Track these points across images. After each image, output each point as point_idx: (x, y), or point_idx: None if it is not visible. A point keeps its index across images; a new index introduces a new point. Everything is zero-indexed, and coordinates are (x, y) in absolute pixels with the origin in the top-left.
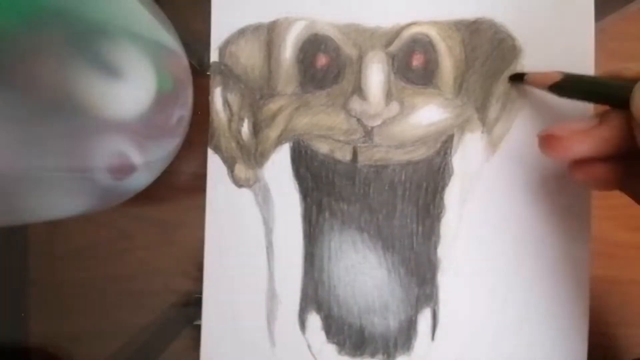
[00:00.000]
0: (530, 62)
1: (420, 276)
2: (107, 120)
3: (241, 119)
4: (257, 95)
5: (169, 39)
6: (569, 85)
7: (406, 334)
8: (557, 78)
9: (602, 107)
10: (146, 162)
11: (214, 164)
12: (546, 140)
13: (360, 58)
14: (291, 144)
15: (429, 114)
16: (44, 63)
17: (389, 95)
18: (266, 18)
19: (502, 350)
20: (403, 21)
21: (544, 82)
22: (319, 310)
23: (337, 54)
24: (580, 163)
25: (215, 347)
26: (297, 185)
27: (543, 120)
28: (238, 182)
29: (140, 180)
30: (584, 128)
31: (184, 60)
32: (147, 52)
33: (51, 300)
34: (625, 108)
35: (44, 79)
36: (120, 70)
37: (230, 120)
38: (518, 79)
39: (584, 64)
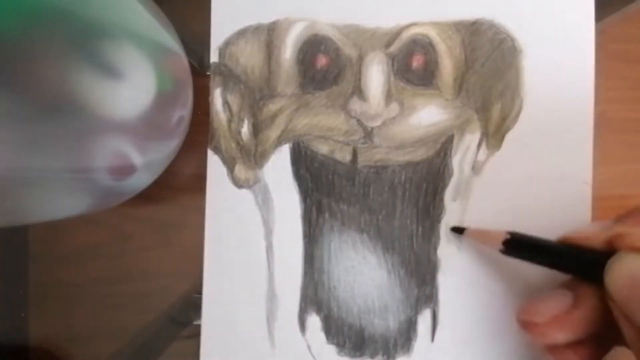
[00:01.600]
0: (530, 63)
1: (420, 277)
2: (107, 120)
3: (241, 120)
4: (257, 96)
5: (169, 39)
6: (520, 247)
7: (406, 335)
8: (502, 238)
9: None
10: (146, 162)
11: (214, 165)
12: (523, 325)
13: (360, 59)
14: (291, 145)
15: (428, 114)
16: (44, 63)
17: (388, 96)
18: (266, 19)
19: (502, 351)
20: (403, 22)
21: (489, 242)
22: (318, 311)
23: (337, 54)
24: (557, 347)
25: (215, 348)
26: (297, 186)
27: (543, 124)
28: (238, 183)
29: (140, 180)
30: (560, 311)
31: (184, 61)
32: (147, 52)
33: (51, 300)
34: (596, 282)
35: (44, 79)
36: (120, 71)
37: (230, 121)
38: (458, 231)
39: (584, 65)
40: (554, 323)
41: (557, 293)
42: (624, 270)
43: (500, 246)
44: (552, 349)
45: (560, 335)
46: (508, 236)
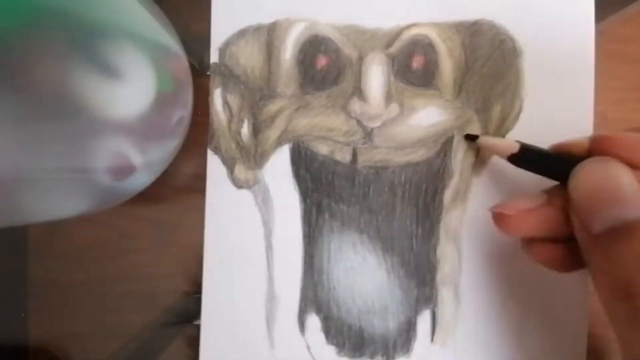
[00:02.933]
0: (530, 64)
1: (419, 278)
2: (106, 120)
3: (241, 120)
4: (257, 97)
5: (169, 40)
6: (524, 157)
7: (405, 336)
8: (515, 149)
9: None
10: (146, 162)
11: (214, 165)
12: (496, 217)
13: (360, 59)
14: (291, 145)
15: (428, 115)
16: (44, 63)
17: (388, 97)
18: (266, 19)
19: (502, 352)
20: (403, 22)
21: (500, 151)
22: (318, 311)
23: (337, 55)
24: (530, 241)
25: (215, 348)
26: (296, 187)
27: (543, 124)
28: (238, 183)
29: (140, 180)
30: (531, 206)
31: (183, 61)
32: (147, 52)
33: (51, 300)
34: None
35: (44, 79)
36: (120, 71)
37: (230, 121)
38: (471, 138)
39: (584, 66)
40: (525, 215)
41: (532, 193)
42: (586, 176)
43: (509, 154)
44: (528, 245)
45: (530, 227)
46: (517, 147)
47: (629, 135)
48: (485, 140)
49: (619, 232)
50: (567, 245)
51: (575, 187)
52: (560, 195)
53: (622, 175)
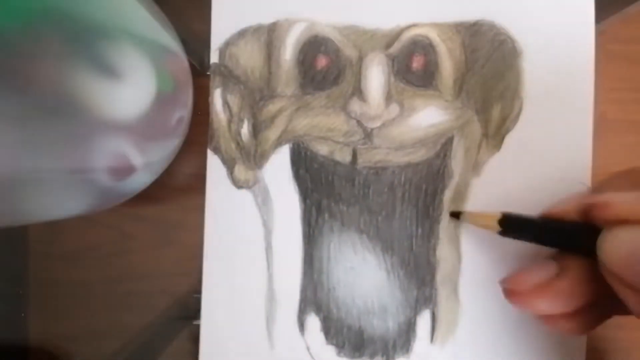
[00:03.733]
0: (530, 64)
1: (419, 278)
2: (106, 121)
3: (241, 120)
4: (257, 97)
5: (169, 40)
6: (512, 228)
7: (405, 336)
8: (497, 218)
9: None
10: (146, 162)
11: (214, 165)
12: (507, 294)
13: (360, 60)
14: (291, 146)
15: (428, 116)
16: (44, 64)
17: (388, 97)
18: (266, 19)
19: (501, 353)
20: (403, 23)
21: (485, 224)
22: (318, 311)
23: (337, 55)
24: (549, 317)
25: (215, 348)
26: (296, 187)
27: (543, 125)
28: (237, 183)
29: (140, 180)
30: (543, 280)
31: (183, 61)
32: (147, 52)
33: (51, 300)
34: (586, 255)
35: (44, 79)
36: (120, 71)
37: (230, 122)
38: (456, 216)
39: (584, 67)
40: (537, 292)
41: (541, 263)
42: (620, 244)
43: (497, 227)
44: (547, 318)
45: (544, 305)
46: (500, 216)
47: (623, 201)
48: (469, 215)
49: None
50: (589, 313)
51: (612, 257)
52: (574, 266)
53: None
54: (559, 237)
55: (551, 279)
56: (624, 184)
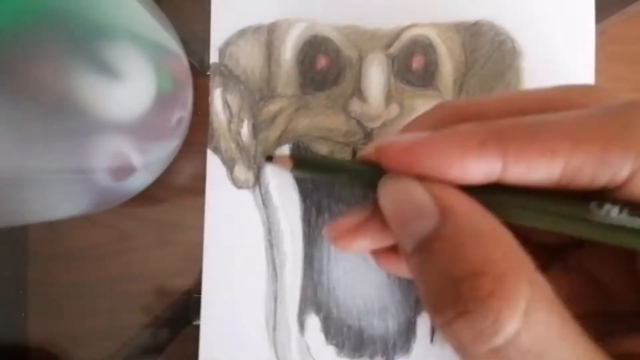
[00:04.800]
0: (530, 65)
1: None
2: (106, 121)
3: (241, 120)
4: (257, 97)
5: (169, 40)
6: (304, 166)
7: (405, 336)
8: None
9: None
10: (146, 162)
11: (214, 165)
12: (330, 240)
13: (360, 60)
14: (291, 146)
15: None
16: (44, 64)
17: (388, 97)
18: (266, 19)
19: None
20: (403, 23)
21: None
22: (318, 311)
23: (337, 55)
24: (375, 253)
25: (214, 348)
26: (296, 187)
27: None
28: (238, 184)
29: (140, 180)
30: (355, 222)
31: (183, 61)
32: (147, 53)
33: (51, 300)
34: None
35: (44, 79)
36: (120, 71)
37: (230, 122)
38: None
39: (585, 66)
40: (353, 232)
41: (357, 208)
42: (386, 194)
43: (290, 165)
44: (377, 257)
45: (360, 243)
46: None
47: (397, 146)
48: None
49: (424, 246)
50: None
51: (383, 209)
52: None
53: (412, 189)
54: (351, 176)
55: (365, 219)
56: (428, 122)
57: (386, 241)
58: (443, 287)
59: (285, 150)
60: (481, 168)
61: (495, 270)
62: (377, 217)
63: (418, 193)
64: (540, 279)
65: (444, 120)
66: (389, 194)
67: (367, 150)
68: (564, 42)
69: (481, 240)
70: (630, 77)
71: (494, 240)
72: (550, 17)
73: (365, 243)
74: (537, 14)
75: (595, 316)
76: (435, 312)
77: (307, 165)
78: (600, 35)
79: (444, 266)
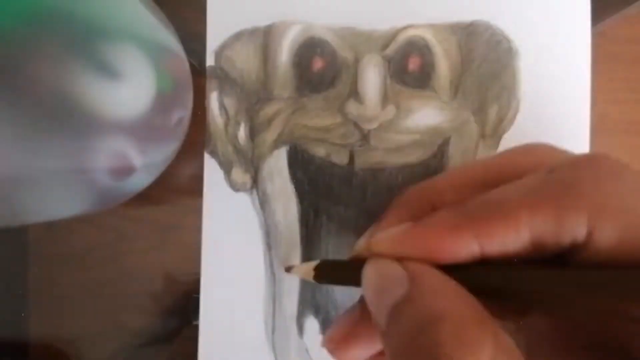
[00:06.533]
0: (526, 65)
1: None
2: (106, 121)
3: (237, 123)
4: (253, 99)
5: (169, 40)
6: (325, 273)
7: None
8: (313, 266)
9: None
10: (145, 163)
11: (211, 168)
12: (331, 354)
13: (357, 61)
14: (288, 148)
15: (425, 117)
16: (44, 63)
17: (385, 99)
18: (262, 22)
19: None
20: (399, 24)
21: (305, 274)
22: (316, 313)
23: (333, 57)
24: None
25: (213, 349)
26: (294, 189)
27: (539, 125)
28: (235, 186)
29: (140, 181)
30: (350, 327)
31: (184, 61)
32: (147, 52)
33: (51, 301)
34: None
35: (44, 79)
36: (120, 71)
37: (226, 125)
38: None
39: (581, 67)
40: (348, 340)
41: (347, 309)
42: (365, 278)
43: (312, 274)
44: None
45: (357, 351)
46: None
47: (381, 239)
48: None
49: (395, 311)
50: None
51: (364, 290)
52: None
53: (387, 264)
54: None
55: (357, 323)
56: (402, 213)
57: (378, 346)
58: (408, 342)
59: (282, 152)
60: (461, 251)
61: (457, 316)
62: (366, 316)
63: (392, 267)
64: (504, 335)
65: (410, 211)
66: (369, 273)
67: (360, 248)
68: (560, 42)
69: (446, 296)
70: (629, 77)
71: (457, 297)
72: (547, 18)
73: (360, 350)
74: (533, 14)
75: (592, 347)
76: None
77: (326, 274)
78: (599, 35)
79: (411, 322)
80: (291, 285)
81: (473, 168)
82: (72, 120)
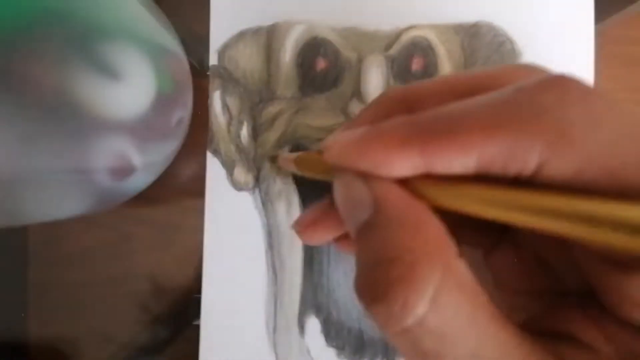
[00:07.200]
0: None
1: None
2: (106, 121)
3: (240, 123)
4: (256, 99)
5: (169, 41)
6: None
7: None
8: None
9: None
10: (146, 163)
11: (213, 168)
12: (298, 234)
13: (360, 61)
14: (290, 148)
15: None
16: (44, 64)
17: None
18: (265, 21)
19: None
20: (402, 24)
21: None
22: (318, 313)
23: (337, 57)
24: (338, 240)
25: (214, 348)
26: (296, 189)
27: None
28: (237, 186)
29: (140, 181)
30: (319, 215)
31: (184, 62)
32: (147, 53)
33: (51, 301)
34: None
35: (44, 80)
36: (120, 72)
37: (229, 124)
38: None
39: (584, 67)
40: (315, 225)
41: (319, 203)
42: (337, 194)
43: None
44: (337, 244)
45: (323, 234)
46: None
47: (334, 142)
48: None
49: (360, 233)
50: None
51: (335, 201)
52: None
53: (352, 183)
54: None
55: (325, 212)
56: (371, 113)
57: (344, 229)
58: (366, 272)
59: (284, 152)
60: (405, 165)
61: (409, 256)
62: (334, 209)
63: (357, 187)
64: (457, 266)
65: (386, 110)
66: (337, 188)
67: (323, 146)
68: (563, 43)
69: (404, 229)
70: (629, 77)
71: (415, 229)
72: (550, 18)
73: (326, 234)
74: (536, 15)
75: (544, 293)
76: (358, 294)
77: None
78: (599, 35)
79: (372, 252)
80: (292, 285)
81: (459, 77)
82: (72, 121)
